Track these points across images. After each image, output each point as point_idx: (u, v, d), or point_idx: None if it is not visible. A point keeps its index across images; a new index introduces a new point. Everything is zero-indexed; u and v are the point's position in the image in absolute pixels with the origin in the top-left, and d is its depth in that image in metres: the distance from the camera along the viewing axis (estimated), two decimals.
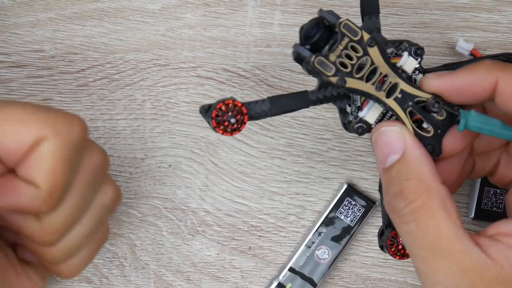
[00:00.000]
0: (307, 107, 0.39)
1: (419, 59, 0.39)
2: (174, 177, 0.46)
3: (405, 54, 0.39)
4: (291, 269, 0.45)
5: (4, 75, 0.46)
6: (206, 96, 0.46)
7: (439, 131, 0.38)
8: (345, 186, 0.45)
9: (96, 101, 0.47)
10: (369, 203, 0.45)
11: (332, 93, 0.39)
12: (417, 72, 0.39)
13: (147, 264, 0.46)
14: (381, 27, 0.45)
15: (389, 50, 0.39)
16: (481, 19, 0.46)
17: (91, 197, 0.36)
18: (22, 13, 0.47)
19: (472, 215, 0.44)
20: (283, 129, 0.46)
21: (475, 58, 0.41)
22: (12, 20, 0.47)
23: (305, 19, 0.42)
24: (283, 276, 0.45)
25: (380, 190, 0.41)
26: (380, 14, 0.39)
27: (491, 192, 0.44)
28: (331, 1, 0.46)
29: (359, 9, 0.45)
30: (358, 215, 0.45)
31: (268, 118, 0.46)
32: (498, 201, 0.44)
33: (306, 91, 0.38)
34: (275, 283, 0.45)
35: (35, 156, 0.33)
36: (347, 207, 0.45)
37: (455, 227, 0.34)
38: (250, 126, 0.46)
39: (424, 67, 0.39)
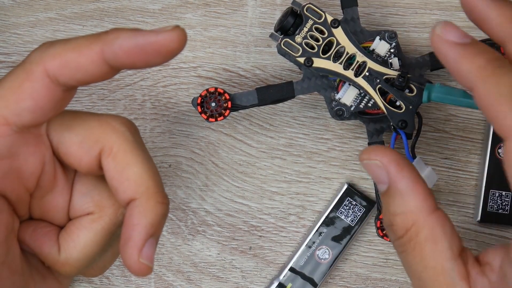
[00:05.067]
0: (293, 96, 0.42)
1: (393, 43, 0.41)
2: (174, 177, 0.46)
3: (377, 38, 0.41)
4: (292, 269, 0.45)
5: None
6: None
7: (410, 107, 0.40)
8: (345, 186, 0.45)
9: (96, 101, 0.47)
10: (370, 203, 0.45)
11: (317, 83, 0.42)
12: (392, 55, 0.41)
13: None
14: (382, 27, 0.46)
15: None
16: None
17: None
18: (22, 13, 0.47)
19: (478, 219, 0.44)
20: (283, 129, 0.46)
21: None
22: (12, 20, 0.47)
23: None
24: (284, 276, 0.45)
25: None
26: (358, 6, 0.41)
27: (497, 195, 0.44)
28: (332, 1, 0.46)
29: (360, 9, 0.46)
30: (358, 215, 0.45)
31: (268, 118, 0.46)
32: (504, 203, 0.44)
33: (291, 82, 0.42)
34: (275, 283, 0.45)
35: (76, 230, 0.35)
36: (347, 207, 0.45)
37: (442, 259, 0.33)
38: (250, 126, 0.46)
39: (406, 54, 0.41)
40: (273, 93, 0.42)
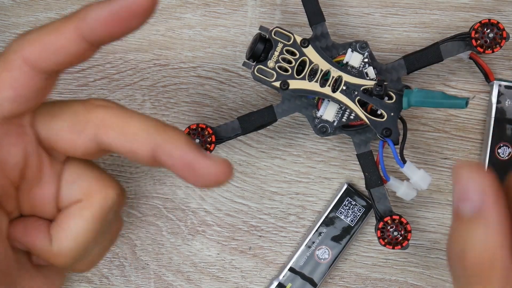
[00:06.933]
0: (276, 120, 0.42)
1: (365, 53, 0.41)
2: (174, 177, 0.46)
3: (349, 50, 0.41)
4: (291, 269, 0.45)
5: None
6: (206, 96, 0.46)
7: (392, 114, 0.40)
8: (345, 186, 0.45)
9: None
10: (369, 203, 0.45)
11: (296, 103, 0.42)
12: (366, 65, 0.41)
13: (148, 264, 0.46)
14: (381, 27, 0.46)
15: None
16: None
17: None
18: (22, 13, 0.47)
19: None
20: (283, 129, 0.46)
21: (433, 44, 0.42)
22: (12, 20, 0.47)
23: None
24: (283, 276, 0.45)
25: (367, 187, 0.42)
26: (326, 22, 0.42)
27: None
28: (331, 1, 0.46)
29: (360, 9, 0.46)
30: (358, 215, 0.45)
31: None
32: None
33: (271, 106, 0.42)
34: (275, 283, 0.45)
35: (66, 219, 0.35)
36: (347, 207, 0.45)
37: None
38: None
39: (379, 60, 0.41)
40: (255, 120, 0.42)
